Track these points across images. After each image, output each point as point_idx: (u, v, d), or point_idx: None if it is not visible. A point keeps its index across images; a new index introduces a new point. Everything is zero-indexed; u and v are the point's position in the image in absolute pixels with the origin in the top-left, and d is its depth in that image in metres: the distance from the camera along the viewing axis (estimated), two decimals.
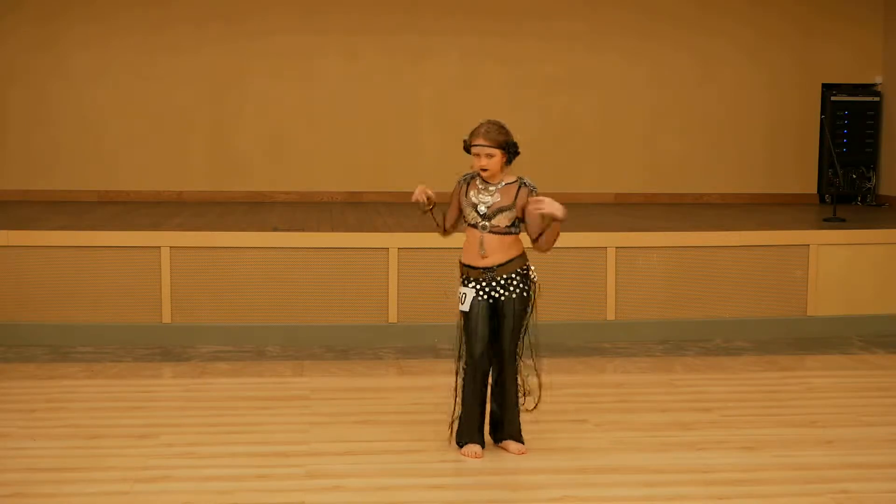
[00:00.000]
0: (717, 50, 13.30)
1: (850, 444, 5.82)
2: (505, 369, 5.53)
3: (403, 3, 12.95)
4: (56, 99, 12.63)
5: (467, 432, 5.58)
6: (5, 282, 8.47)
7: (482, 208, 5.45)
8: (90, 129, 12.70)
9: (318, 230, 9.26)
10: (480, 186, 5.49)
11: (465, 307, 5.48)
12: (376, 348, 8.47)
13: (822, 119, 13.07)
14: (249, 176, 12.89)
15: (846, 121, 13.27)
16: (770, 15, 13.36)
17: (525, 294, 5.50)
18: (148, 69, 12.70)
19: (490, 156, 5.42)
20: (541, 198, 5.30)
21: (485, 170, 5.43)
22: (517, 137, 5.51)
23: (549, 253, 5.58)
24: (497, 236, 5.45)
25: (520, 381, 5.61)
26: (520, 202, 5.44)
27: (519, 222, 5.49)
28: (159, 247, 8.56)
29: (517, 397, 5.60)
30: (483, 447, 5.58)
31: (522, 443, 5.63)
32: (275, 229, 9.06)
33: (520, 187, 5.47)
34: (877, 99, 13.32)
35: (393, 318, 8.70)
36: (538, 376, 5.75)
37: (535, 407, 5.81)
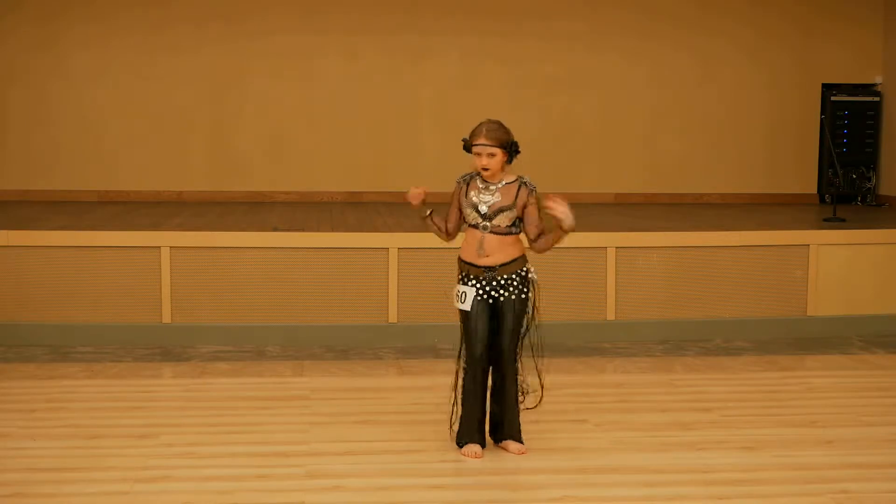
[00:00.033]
0: (717, 50, 13.30)
1: (850, 444, 5.82)
2: (505, 370, 5.53)
3: (403, 3, 12.96)
4: (56, 99, 12.63)
5: (467, 432, 5.58)
6: (5, 282, 8.47)
7: (483, 208, 5.45)
8: (90, 129, 12.70)
9: (318, 230, 9.26)
10: (481, 186, 5.49)
11: (466, 306, 5.47)
12: (376, 348, 8.47)
13: (822, 119, 13.07)
14: (249, 176, 12.90)
15: (846, 121, 13.27)
16: (770, 15, 13.36)
17: (524, 295, 5.50)
18: (148, 69, 12.70)
19: (491, 155, 5.41)
20: (560, 199, 5.27)
21: (486, 169, 5.43)
22: (516, 137, 5.51)
23: (548, 253, 5.59)
24: (498, 237, 5.45)
25: (520, 382, 5.60)
26: (520, 202, 5.44)
27: (519, 222, 5.49)
28: (159, 247, 8.57)
29: (517, 397, 5.59)
30: (483, 447, 5.58)
31: (522, 443, 5.63)
32: (275, 229, 9.06)
33: (520, 187, 5.47)
34: (877, 99, 13.32)
35: (393, 318, 8.70)
36: (539, 376, 5.76)
37: (536, 405, 5.81)
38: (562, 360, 7.94)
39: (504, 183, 5.48)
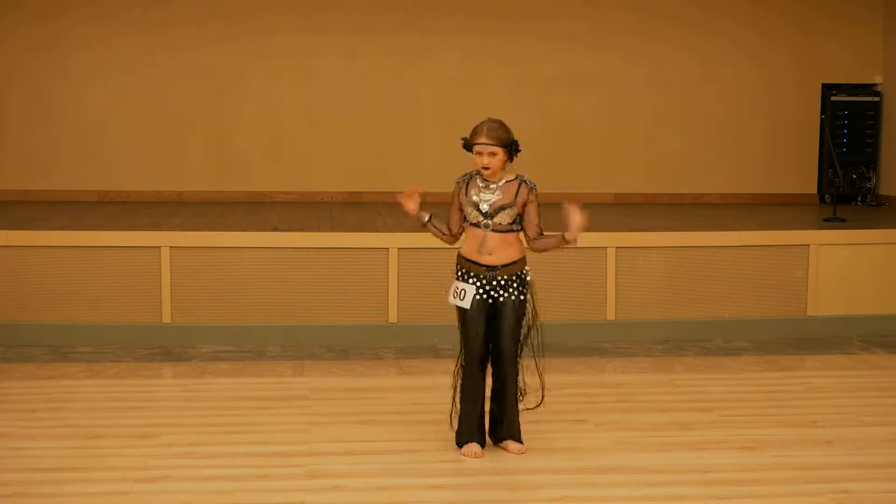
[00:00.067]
0: (717, 50, 13.31)
1: (850, 444, 5.82)
2: (505, 371, 5.52)
3: (403, 3, 12.96)
4: (56, 99, 12.64)
5: (466, 431, 5.58)
6: (5, 282, 8.47)
7: (484, 206, 5.44)
8: (90, 129, 12.70)
9: (318, 230, 9.26)
10: (481, 185, 5.49)
11: (466, 304, 5.47)
12: (376, 348, 8.47)
13: (822, 119, 13.07)
14: (249, 176, 12.90)
15: (846, 121, 13.28)
16: (770, 15, 13.37)
17: (523, 297, 5.50)
18: (148, 69, 12.70)
19: (493, 154, 5.41)
20: (579, 210, 5.28)
21: (487, 168, 5.43)
22: (516, 137, 5.51)
23: (547, 253, 5.59)
24: (499, 234, 5.45)
25: (520, 383, 5.60)
26: (520, 199, 5.45)
27: (520, 219, 5.49)
28: (159, 247, 8.57)
29: (517, 398, 5.59)
30: (483, 446, 5.58)
31: (522, 443, 5.63)
32: (275, 229, 9.07)
33: (520, 185, 5.47)
34: (877, 99, 13.32)
35: (393, 318, 8.70)
36: (540, 377, 5.75)
37: (537, 406, 5.81)
38: (562, 360, 7.94)
39: (504, 181, 5.48)
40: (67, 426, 6.03)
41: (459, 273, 5.52)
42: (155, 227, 9.28)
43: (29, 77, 12.57)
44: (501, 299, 5.47)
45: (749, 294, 9.07)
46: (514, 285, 5.48)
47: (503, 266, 5.46)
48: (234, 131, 12.89)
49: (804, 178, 13.50)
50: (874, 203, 13.23)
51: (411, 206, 5.52)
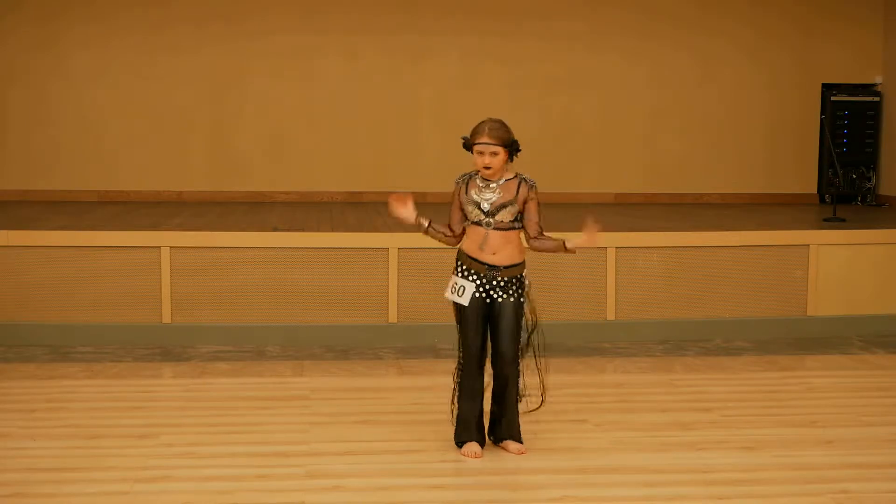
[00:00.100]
0: (717, 50, 13.31)
1: (850, 444, 5.82)
2: (505, 372, 5.52)
3: (403, 3, 12.96)
4: (56, 99, 12.64)
5: (465, 431, 5.58)
6: (5, 282, 8.47)
7: (485, 205, 5.44)
8: (90, 129, 12.70)
9: (318, 230, 9.26)
10: (481, 184, 5.49)
11: (464, 301, 5.47)
12: (376, 348, 8.47)
13: (822, 119, 13.07)
14: (249, 176, 12.90)
15: (846, 121, 13.28)
16: (770, 15, 13.37)
17: (521, 300, 5.51)
18: (148, 69, 12.70)
19: (494, 154, 5.41)
20: (596, 232, 5.37)
21: (488, 168, 5.42)
22: (516, 137, 5.52)
23: (546, 254, 5.61)
24: (501, 232, 5.45)
25: (521, 384, 5.60)
26: (521, 197, 5.45)
27: (521, 217, 5.49)
28: (159, 247, 8.56)
29: (517, 398, 5.59)
30: (483, 446, 5.58)
31: (522, 443, 5.63)
32: (275, 229, 9.07)
33: (520, 183, 5.48)
34: (877, 99, 13.32)
35: (393, 318, 8.70)
36: (541, 378, 5.75)
37: (538, 408, 5.80)
38: (562, 360, 7.94)
39: (504, 180, 5.48)
40: (67, 426, 6.03)
41: (459, 270, 5.52)
42: (155, 227, 9.28)
43: (29, 77, 12.57)
44: (500, 300, 5.47)
45: (749, 294, 9.07)
46: (514, 287, 5.48)
47: (505, 267, 5.46)
48: (234, 131, 12.89)
49: (804, 178, 13.50)
50: (874, 203, 13.23)
51: (403, 211, 5.51)
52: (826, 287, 9.14)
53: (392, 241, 8.69)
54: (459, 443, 5.60)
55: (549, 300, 8.37)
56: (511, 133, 5.45)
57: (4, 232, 8.56)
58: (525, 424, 5.70)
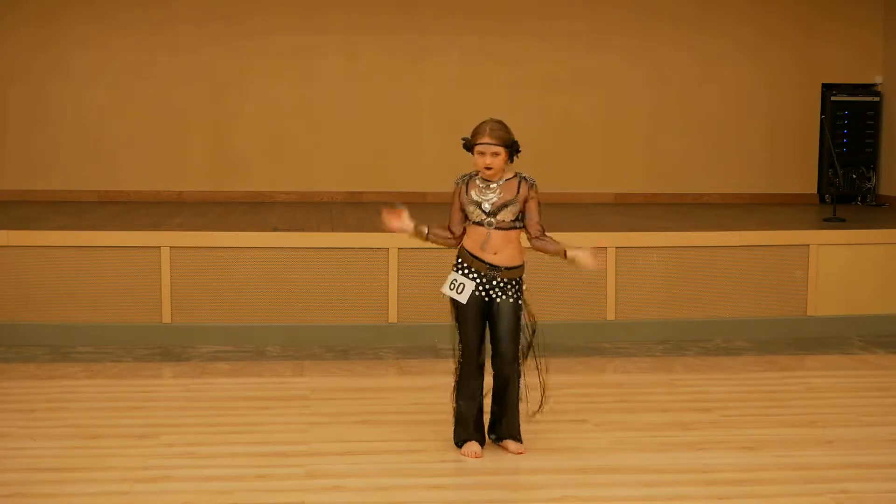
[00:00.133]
0: (717, 50, 13.31)
1: (850, 444, 5.82)
2: (505, 372, 5.51)
3: (403, 3, 12.96)
4: (56, 99, 12.64)
5: (464, 430, 5.58)
6: (5, 282, 8.47)
7: (486, 205, 5.44)
8: (90, 129, 12.70)
9: (318, 230, 9.26)
10: (481, 185, 5.49)
11: (463, 298, 5.46)
12: (376, 348, 8.47)
13: (822, 119, 13.07)
14: (249, 176, 12.90)
15: (846, 121, 13.28)
16: (770, 15, 13.37)
17: (520, 301, 5.51)
18: (148, 69, 12.70)
19: (495, 154, 5.41)
20: (598, 259, 5.38)
21: (489, 168, 5.42)
22: (516, 137, 5.52)
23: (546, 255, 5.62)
24: (502, 232, 5.45)
25: (521, 385, 5.60)
26: (521, 196, 5.45)
27: (522, 216, 5.49)
28: (159, 247, 8.56)
29: (517, 399, 5.59)
30: (483, 445, 5.58)
31: (521, 442, 5.63)
32: (275, 229, 9.07)
33: (520, 182, 5.48)
34: (877, 99, 13.32)
35: (393, 318, 8.70)
36: (541, 378, 5.75)
37: (538, 410, 5.80)
38: (562, 360, 7.94)
39: (504, 180, 5.49)
40: (67, 426, 6.03)
41: (460, 267, 5.51)
42: (155, 227, 9.28)
43: (29, 77, 12.57)
44: (499, 300, 5.47)
45: (749, 294, 9.07)
46: (513, 289, 5.48)
47: (506, 268, 5.47)
48: (234, 131, 12.89)
49: (804, 178, 13.50)
50: (874, 203, 13.23)
51: (398, 224, 5.52)
52: (826, 287, 9.14)
53: (392, 241, 8.69)
54: (459, 442, 5.60)
55: (549, 300, 8.38)
56: (511, 133, 5.46)
57: (4, 232, 8.56)
58: (525, 424, 5.70)
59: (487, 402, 5.65)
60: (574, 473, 5.32)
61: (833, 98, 13.28)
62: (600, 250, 5.44)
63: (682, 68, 13.27)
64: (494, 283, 5.47)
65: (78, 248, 8.55)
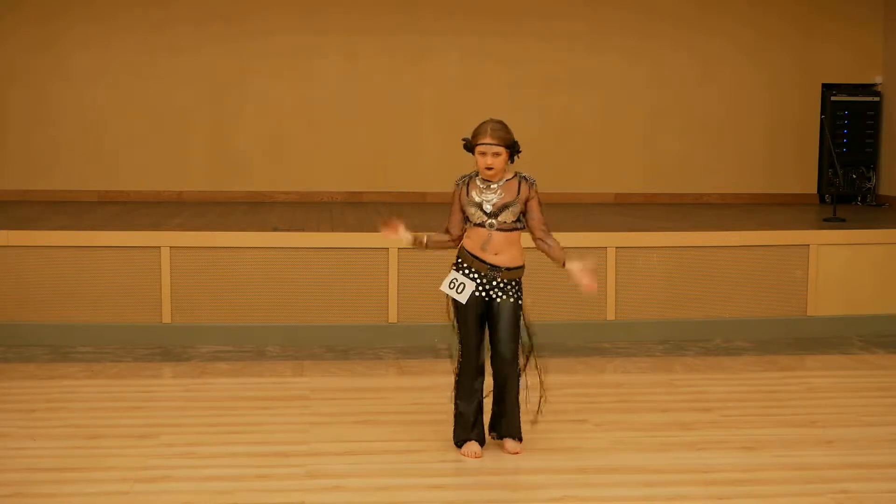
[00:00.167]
0: (717, 50, 13.31)
1: (850, 444, 5.83)
2: (505, 372, 5.51)
3: (403, 3, 12.96)
4: (56, 99, 12.64)
5: (464, 430, 5.58)
6: (5, 282, 8.47)
7: (488, 206, 5.44)
8: (90, 129, 12.70)
9: (318, 230, 9.26)
10: (481, 186, 5.49)
11: (463, 298, 5.46)
12: (376, 348, 8.47)
13: (822, 119, 13.07)
14: (249, 176, 12.90)
15: (846, 121, 13.28)
16: (770, 15, 13.37)
17: (519, 301, 5.51)
18: (148, 69, 12.70)
19: (497, 154, 5.41)
20: (591, 282, 5.38)
21: (490, 168, 5.42)
22: (516, 137, 5.52)
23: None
24: (504, 234, 5.44)
25: (522, 385, 5.59)
26: (522, 196, 5.45)
27: (523, 217, 5.49)
28: (159, 247, 8.56)
29: (517, 398, 5.59)
30: (483, 445, 5.59)
31: (521, 441, 5.63)
32: (275, 229, 9.07)
33: (520, 182, 5.48)
34: (877, 99, 13.32)
35: (393, 318, 8.70)
36: (541, 379, 5.75)
37: (539, 410, 5.80)
38: (562, 360, 7.94)
39: (504, 181, 5.49)
40: (67, 426, 6.03)
41: (460, 267, 5.51)
42: (155, 227, 9.28)
43: (29, 77, 12.57)
44: (499, 301, 5.47)
45: (749, 294, 9.07)
46: (513, 289, 5.48)
47: (507, 269, 5.46)
48: (234, 131, 12.89)
49: (804, 178, 13.50)
50: (874, 203, 13.23)
51: (395, 236, 5.55)
52: (826, 287, 9.14)
53: (392, 241, 8.67)
54: (459, 443, 5.60)
55: (549, 300, 8.39)
56: (512, 134, 5.46)
57: (4, 232, 8.56)
58: (525, 424, 5.70)
59: (488, 402, 5.65)
60: (574, 473, 5.32)
61: (833, 98, 13.28)
62: (592, 278, 5.42)
63: (682, 68, 13.27)
64: (494, 283, 5.47)
65: (78, 248, 8.55)
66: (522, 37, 13.03)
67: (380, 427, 6.07)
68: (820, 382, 7.54)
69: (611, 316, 8.89)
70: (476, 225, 5.46)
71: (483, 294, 5.47)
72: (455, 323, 5.54)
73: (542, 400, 5.78)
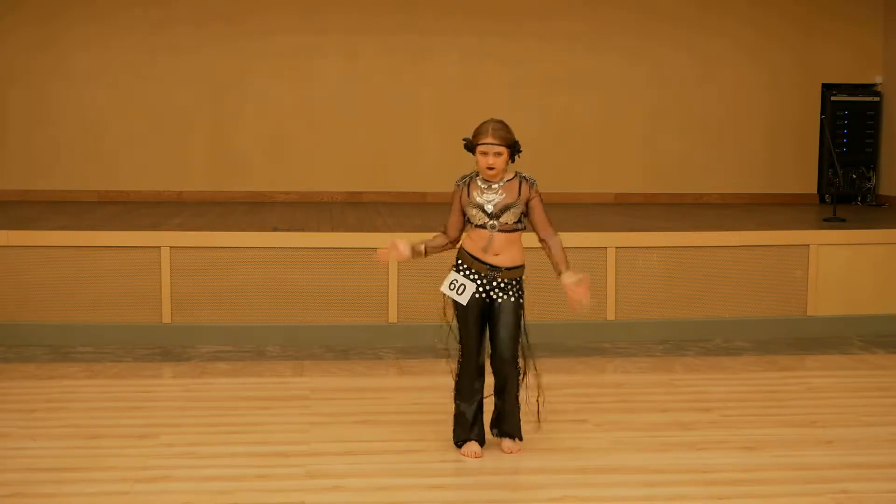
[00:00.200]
0: (717, 50, 13.31)
1: (850, 444, 5.82)
2: (505, 372, 5.51)
3: (403, 3, 12.96)
4: (56, 99, 12.64)
5: (464, 431, 5.58)
6: (5, 282, 8.47)
7: (489, 207, 5.44)
8: (90, 129, 12.70)
9: (318, 230, 9.26)
10: (483, 186, 5.48)
11: (463, 300, 5.46)
12: (376, 348, 8.47)
13: (822, 119, 13.07)
14: (249, 176, 12.90)
15: (846, 121, 13.28)
16: (770, 15, 13.37)
17: (521, 301, 5.50)
18: (148, 69, 12.70)
19: (498, 154, 5.41)
20: (582, 296, 5.39)
21: (491, 168, 5.42)
22: (517, 137, 5.52)
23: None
24: (505, 234, 5.44)
25: (521, 384, 5.59)
26: (523, 196, 5.45)
27: (524, 217, 5.49)
28: (159, 247, 8.56)
29: (517, 398, 5.59)
30: (482, 445, 5.58)
31: (521, 440, 5.62)
32: (275, 229, 9.07)
33: (521, 182, 5.48)
34: (877, 99, 13.32)
35: (393, 318, 8.70)
36: (538, 381, 5.75)
37: (539, 411, 5.79)
38: (562, 360, 7.94)
39: (505, 181, 5.48)
40: (67, 426, 6.03)
41: (461, 268, 5.51)
42: (155, 227, 9.28)
43: (29, 77, 12.57)
44: (500, 301, 5.47)
45: (749, 294, 9.07)
46: (514, 289, 5.48)
47: (507, 269, 5.46)
48: (234, 131, 12.89)
49: (804, 178, 13.50)
50: (874, 203, 13.23)
51: (395, 255, 5.53)
52: (826, 287, 9.14)
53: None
54: (459, 442, 5.60)
55: (549, 300, 8.36)
56: (513, 133, 5.46)
57: (4, 232, 8.56)
58: (525, 424, 5.70)
59: (489, 402, 5.65)
60: (574, 473, 5.32)
61: (833, 98, 13.28)
62: (585, 294, 5.42)
63: (682, 68, 13.27)
64: (495, 283, 5.47)
65: (78, 248, 8.55)
66: (522, 37, 13.03)
67: (380, 427, 6.07)
68: (820, 382, 7.54)
69: (611, 316, 8.89)
70: (477, 226, 5.46)
71: (483, 295, 5.47)
72: (455, 323, 5.53)
73: (539, 399, 5.77)
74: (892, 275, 9.28)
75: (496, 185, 5.46)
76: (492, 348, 5.50)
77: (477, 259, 5.46)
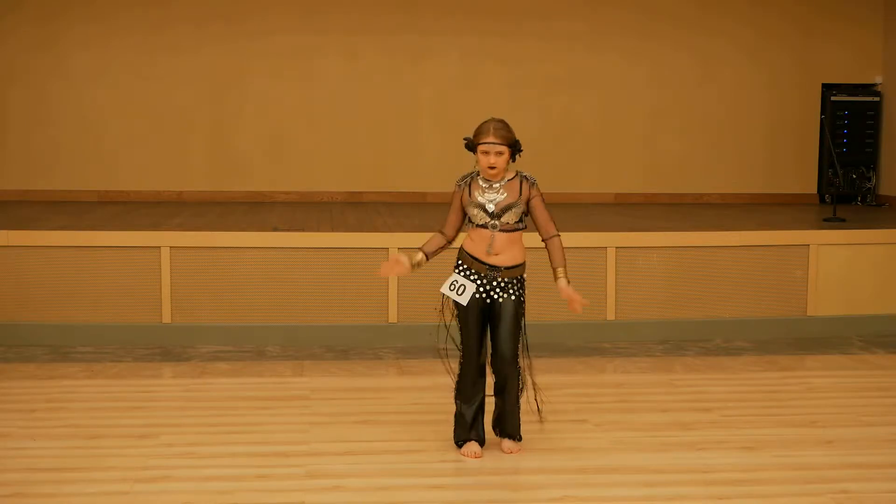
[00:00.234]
0: (717, 50, 13.31)
1: (850, 444, 5.82)
2: (505, 371, 5.51)
3: (403, 3, 12.96)
4: (56, 99, 12.64)
5: (464, 431, 5.58)
6: (5, 282, 8.47)
7: (490, 207, 5.44)
8: (90, 129, 12.70)
9: (318, 230, 9.26)
10: (484, 186, 5.48)
11: (463, 300, 5.46)
12: (376, 348, 8.47)
13: (822, 119, 13.07)
14: (249, 176, 12.90)
15: (846, 121, 13.28)
16: (770, 15, 13.37)
17: (522, 300, 5.50)
18: (148, 69, 12.70)
19: (499, 153, 5.41)
20: (577, 305, 5.47)
21: (492, 167, 5.42)
22: (517, 137, 5.52)
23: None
24: (506, 234, 5.44)
25: (521, 384, 5.59)
26: (524, 196, 5.45)
27: (525, 217, 5.49)
28: (159, 247, 8.57)
29: (517, 397, 5.59)
30: (482, 445, 5.58)
31: (521, 440, 5.62)
32: (275, 229, 9.07)
33: (521, 181, 5.48)
34: (877, 99, 13.32)
35: (393, 318, 8.70)
36: (533, 382, 5.74)
37: (540, 411, 5.79)
38: (562, 360, 7.94)
39: (506, 180, 5.48)
40: (67, 426, 6.03)
41: (461, 268, 5.51)
42: (155, 227, 9.28)
43: (29, 77, 12.57)
44: (501, 300, 5.47)
45: (749, 294, 9.07)
46: (514, 288, 5.48)
47: (507, 268, 5.46)
48: (234, 131, 12.89)
49: (804, 178, 13.50)
50: (874, 203, 13.23)
51: (397, 269, 5.50)
52: (826, 287, 9.14)
53: (392, 241, 8.69)
54: (459, 442, 5.61)
55: (550, 300, 8.34)
56: (514, 133, 5.46)
57: (4, 232, 8.56)
58: (525, 424, 5.70)
59: (489, 402, 5.65)
60: (574, 473, 5.32)
61: (833, 98, 13.28)
62: (578, 302, 5.44)
63: (682, 68, 13.27)
64: (495, 283, 5.47)
65: (78, 248, 8.55)
66: (522, 37, 13.03)
67: (380, 427, 6.07)
68: (820, 382, 7.54)
69: (611, 316, 8.89)
70: (478, 226, 5.46)
71: (484, 295, 5.47)
72: (453, 323, 5.53)
73: (537, 399, 5.77)
74: (892, 275, 9.28)
75: (497, 185, 5.46)
76: (492, 348, 5.51)
77: (477, 259, 5.46)
